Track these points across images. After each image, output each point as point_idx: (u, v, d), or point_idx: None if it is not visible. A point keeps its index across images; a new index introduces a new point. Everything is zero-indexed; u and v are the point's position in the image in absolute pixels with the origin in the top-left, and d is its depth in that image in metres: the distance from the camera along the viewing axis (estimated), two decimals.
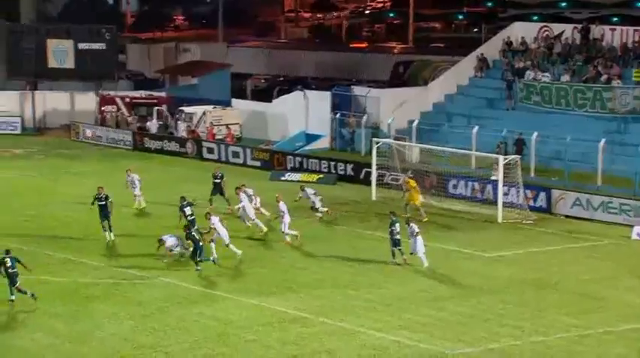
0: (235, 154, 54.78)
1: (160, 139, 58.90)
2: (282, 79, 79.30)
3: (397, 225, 33.42)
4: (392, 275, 32.25)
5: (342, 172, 49.56)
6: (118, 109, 64.33)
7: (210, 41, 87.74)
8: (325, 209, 40.00)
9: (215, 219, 33.82)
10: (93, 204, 35.91)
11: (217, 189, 41.70)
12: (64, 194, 43.77)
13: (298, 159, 52.03)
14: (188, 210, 36.24)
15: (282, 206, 36.40)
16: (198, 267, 31.81)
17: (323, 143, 58.23)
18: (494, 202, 40.92)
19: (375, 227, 38.90)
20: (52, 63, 65.67)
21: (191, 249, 32.19)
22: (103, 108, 64.88)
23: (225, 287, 30.50)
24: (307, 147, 57.13)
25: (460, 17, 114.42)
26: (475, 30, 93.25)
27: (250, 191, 39.03)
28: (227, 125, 59.29)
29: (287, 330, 26.69)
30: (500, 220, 40.07)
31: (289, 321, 27.44)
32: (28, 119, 66.45)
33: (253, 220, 37.62)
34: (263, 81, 79.55)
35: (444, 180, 44.41)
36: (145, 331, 26.43)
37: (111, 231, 35.65)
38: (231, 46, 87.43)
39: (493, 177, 42.58)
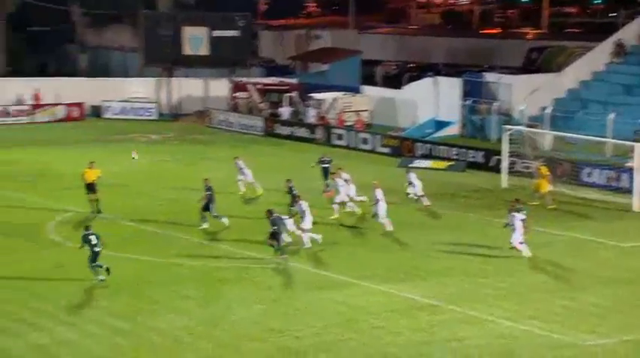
0: (364, 141, 54.88)
1: (290, 125, 59.46)
2: (412, 65, 78.95)
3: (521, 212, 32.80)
4: (523, 264, 31.81)
5: (472, 159, 49.11)
6: (250, 96, 65.19)
7: (341, 28, 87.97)
8: (423, 195, 39.39)
9: (304, 204, 33.83)
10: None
11: (326, 173, 41.76)
12: (198, 179, 44.58)
13: (428, 146, 51.81)
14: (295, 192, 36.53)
15: (379, 193, 36.03)
16: (283, 255, 31.53)
17: (453, 130, 57.82)
18: (630, 191, 39.90)
19: (505, 215, 38.36)
20: (188, 50, 67.00)
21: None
22: (235, 95, 65.85)
23: (354, 274, 30.59)
24: (437, 134, 56.81)
25: (597, 2, 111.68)
26: (612, 15, 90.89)
27: (346, 176, 38.78)
28: (357, 111, 59.45)
29: (416, 317, 26.63)
30: (636, 209, 39.05)
31: (418, 308, 27.36)
32: (164, 105, 68.02)
33: (347, 203, 37.46)
34: (393, 67, 79.37)
35: (577, 168, 43.54)
36: (275, 315, 26.76)
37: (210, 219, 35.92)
38: (362, 32, 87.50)
39: (628, 165, 41.53)
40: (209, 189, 36.08)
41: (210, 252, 33.18)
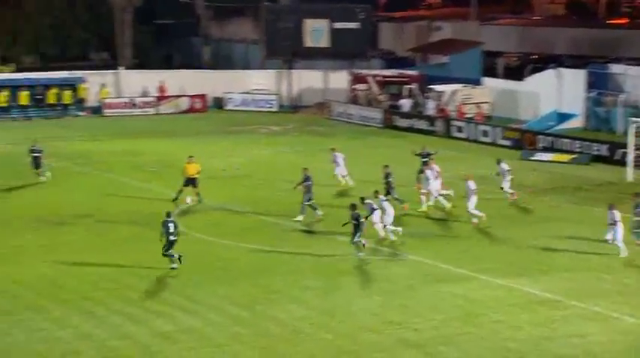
0: (485, 133, 54.29)
1: (410, 117, 59.23)
2: (535, 56, 77.64)
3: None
4: None
5: (596, 152, 48.10)
6: (370, 88, 65.18)
7: (462, 19, 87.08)
8: (511, 191, 38.55)
9: (384, 199, 33.73)
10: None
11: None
12: (317, 170, 44.83)
13: (550, 138, 50.96)
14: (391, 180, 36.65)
15: (471, 184, 35.50)
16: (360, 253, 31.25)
17: (576, 122, 56.72)
18: None
19: (631, 209, 37.49)
20: (308, 42, 67.41)
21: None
22: (354, 87, 65.94)
23: (474, 267, 30.32)
24: (559, 127, 55.81)
25: None
26: None
27: (437, 168, 38.25)
28: (477, 103, 58.85)
29: (536, 312, 26.24)
30: None
31: (539, 303, 26.96)
32: (285, 97, 68.59)
33: (436, 197, 36.97)
34: (515, 59, 78.21)
35: None
36: (393, 307, 26.72)
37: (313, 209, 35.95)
38: (484, 23, 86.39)
39: None
40: (307, 178, 36.25)
41: (329, 243, 33.33)
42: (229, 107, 67.73)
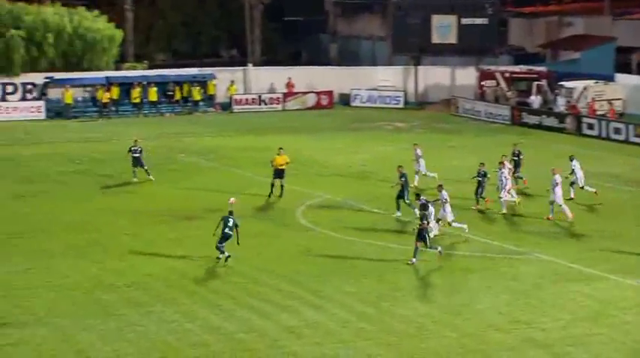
0: (617, 131, 53.09)
1: (539, 114, 58.33)
2: None
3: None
4: None
5: None
6: (498, 84, 64.44)
7: (595, 14, 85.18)
8: (593, 189, 37.51)
9: (445, 194, 33.16)
10: None
11: (518, 166, 40.25)
12: (443, 167, 44.60)
13: None
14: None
15: (558, 178, 34.81)
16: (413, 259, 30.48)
17: None
18: None
19: None
20: (436, 38, 67.09)
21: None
22: (482, 83, 65.29)
23: (602, 267, 29.67)
24: None
25: None
26: None
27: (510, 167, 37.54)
28: (609, 100, 57.54)
29: None
30: None
31: None
32: (411, 93, 68.42)
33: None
34: None
35: None
36: (520, 306, 26.38)
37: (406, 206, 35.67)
38: (617, 18, 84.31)
39: None
40: (403, 176, 36.02)
41: (454, 241, 33.10)
42: (355, 103, 67.95)
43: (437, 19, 67.21)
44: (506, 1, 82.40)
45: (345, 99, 68.46)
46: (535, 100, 60.88)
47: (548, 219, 35.07)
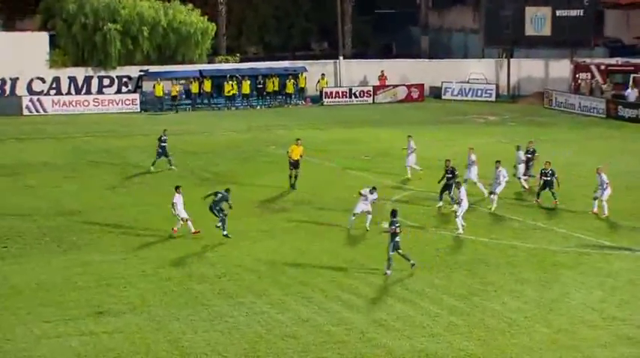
0: None
1: (635, 107, 57.19)
2: None
3: None
4: None
5: None
6: (593, 77, 63.37)
7: None
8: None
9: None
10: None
11: (530, 165, 39.34)
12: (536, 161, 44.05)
13: None
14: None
15: (604, 177, 34.28)
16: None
17: None
18: None
19: None
20: (529, 30, 66.25)
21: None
22: (577, 76, 64.28)
23: None
24: None
25: None
26: None
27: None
28: None
29: None
30: None
31: None
32: (503, 86, 67.74)
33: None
34: None
35: None
36: (615, 302, 25.93)
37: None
38: None
39: None
40: (450, 171, 35.65)
41: (545, 235, 32.70)
42: (447, 96, 67.56)
43: (531, 11, 66.34)
44: None
45: (436, 92, 68.11)
46: (631, 93, 59.71)
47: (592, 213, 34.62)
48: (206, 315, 25.09)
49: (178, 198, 32.20)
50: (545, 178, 36.07)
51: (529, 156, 39.49)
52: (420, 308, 25.73)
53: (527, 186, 38.32)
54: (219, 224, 31.91)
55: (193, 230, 32.24)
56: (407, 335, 23.88)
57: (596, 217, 34.43)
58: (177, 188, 32.47)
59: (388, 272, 28.30)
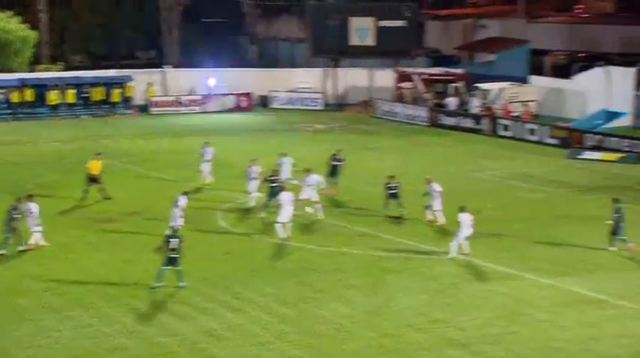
0: (531, 132, 53.96)
1: (456, 116, 59.02)
2: (582, 54, 76.97)
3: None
4: None
5: None
6: (415, 86, 65.04)
7: (509, 17, 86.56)
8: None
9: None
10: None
11: (336, 172, 40.20)
12: (363, 169, 44.87)
13: (598, 137, 50.47)
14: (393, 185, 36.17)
15: (436, 187, 34.94)
16: None
17: (625, 121, 56.15)
18: None
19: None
20: (354, 40, 67.40)
21: None
22: (400, 85, 65.82)
23: (519, 266, 30.15)
24: (607, 126, 55.28)
25: None
26: None
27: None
28: (523, 102, 58.49)
29: (583, 312, 26.03)
30: None
31: (586, 303, 26.74)
32: (330, 95, 68.66)
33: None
34: (562, 57, 77.61)
35: None
36: (439, 305, 26.65)
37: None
38: (531, 21, 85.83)
39: None
40: (391, 187, 36.06)
41: (373, 241, 33.30)
42: (275, 105, 67.96)
43: (355, 22, 67.54)
44: (423, 4, 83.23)
45: (264, 101, 68.42)
46: (451, 102, 61.58)
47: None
48: (32, 330, 24.37)
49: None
50: (390, 191, 36.35)
51: (335, 163, 40.12)
52: (250, 316, 25.75)
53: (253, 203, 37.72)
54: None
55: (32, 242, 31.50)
56: (238, 344, 23.87)
57: (430, 224, 35.24)
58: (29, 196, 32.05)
59: (157, 285, 27.76)
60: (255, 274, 29.39)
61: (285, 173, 38.51)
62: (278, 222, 33.07)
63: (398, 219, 35.75)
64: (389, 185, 36.40)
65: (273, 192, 35.41)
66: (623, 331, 24.61)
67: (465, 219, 30.92)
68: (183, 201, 33.38)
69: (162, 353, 23.26)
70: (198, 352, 23.35)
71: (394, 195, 36.19)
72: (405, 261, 30.87)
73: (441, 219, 34.93)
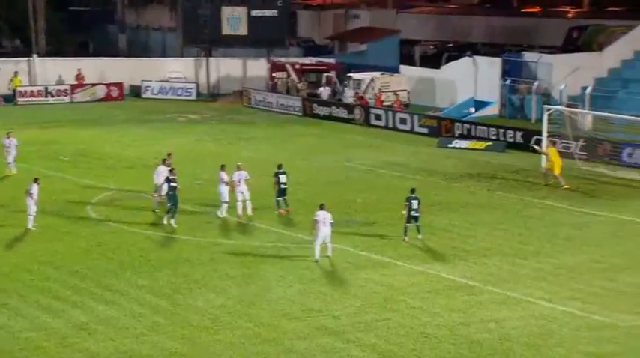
0: (403, 121, 54.71)
1: (329, 105, 59.39)
2: (451, 45, 78.49)
3: (414, 201, 31.78)
4: (561, 245, 31.65)
5: (511, 140, 48.82)
6: (288, 76, 65.17)
7: (379, 7, 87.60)
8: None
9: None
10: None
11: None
12: (237, 159, 44.70)
13: (466, 126, 51.54)
14: (283, 178, 35.29)
15: (223, 175, 34.34)
16: None
17: (492, 110, 57.47)
18: None
19: (545, 195, 38.29)
20: (226, 30, 67.03)
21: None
22: (273, 75, 65.86)
23: (392, 254, 30.58)
24: (476, 114, 56.50)
25: None
26: None
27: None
28: (395, 91, 59.24)
29: (454, 298, 26.59)
30: None
31: (456, 289, 27.32)
32: (203, 85, 68.18)
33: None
34: (432, 47, 78.96)
35: (618, 149, 43.18)
36: (313, 294, 26.82)
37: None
38: (401, 11, 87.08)
39: None
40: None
41: (249, 231, 33.29)
42: (147, 95, 67.07)
43: (227, 11, 67.16)
44: None
45: (136, 91, 67.48)
46: (323, 91, 61.94)
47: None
48: None
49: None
50: (283, 186, 35.73)
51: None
52: (123, 309, 25.43)
53: None
54: None
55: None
56: (110, 337, 23.54)
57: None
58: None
59: None
60: (127, 266, 29.04)
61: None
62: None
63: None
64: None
65: (172, 195, 34.21)
66: (490, 316, 25.24)
67: (322, 217, 29.54)
68: (35, 189, 32.77)
69: (29, 348, 22.78)
70: (68, 346, 22.95)
71: (283, 191, 35.85)
72: (280, 251, 30.95)
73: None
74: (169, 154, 36.86)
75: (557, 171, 39.59)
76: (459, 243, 31.99)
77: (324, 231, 29.61)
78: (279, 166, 35.72)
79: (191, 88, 67.42)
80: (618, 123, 45.42)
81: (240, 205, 34.64)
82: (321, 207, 29.95)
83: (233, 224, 34.17)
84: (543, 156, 41.35)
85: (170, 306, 25.74)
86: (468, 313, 25.44)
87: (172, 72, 68.39)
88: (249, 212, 34.67)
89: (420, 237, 31.80)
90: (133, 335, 23.70)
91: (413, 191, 32.36)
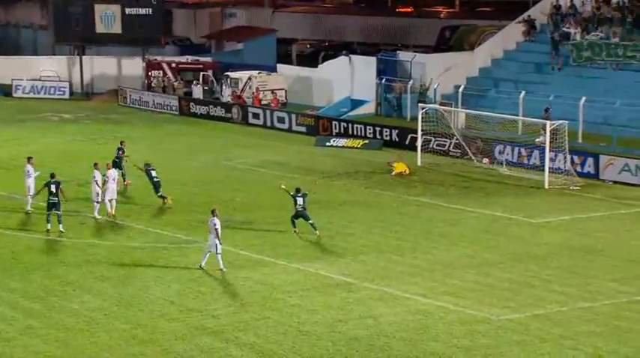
0: (280, 120, 54.81)
1: (206, 104, 59.07)
2: (327, 44, 78.99)
3: (299, 198, 32.39)
4: (437, 241, 32.23)
5: (387, 138, 49.41)
6: (165, 74, 64.56)
7: (255, 6, 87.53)
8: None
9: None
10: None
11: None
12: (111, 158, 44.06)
13: (343, 124, 51.93)
14: (154, 173, 36.08)
15: (97, 174, 34.34)
16: None
17: (368, 108, 58.03)
18: (542, 168, 40.67)
19: (421, 193, 38.91)
20: (100, 28, 65.93)
21: None
22: (149, 74, 65.13)
23: (271, 253, 30.64)
24: (352, 113, 56.99)
25: None
26: None
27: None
28: (272, 90, 59.30)
29: (332, 295, 26.79)
30: (547, 186, 39.81)
31: (334, 286, 27.54)
32: (76, 84, 66.90)
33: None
34: (308, 46, 79.30)
35: (490, 146, 44.22)
36: (192, 294, 26.67)
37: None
38: (277, 10, 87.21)
39: (538, 140, 42.38)
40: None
41: (125, 231, 32.87)
42: (18, 94, 65.47)
43: (100, 9, 66.03)
44: None
45: (7, 90, 65.79)
46: (196, 90, 61.58)
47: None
48: None
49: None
50: (156, 179, 35.84)
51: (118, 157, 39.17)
52: None
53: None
54: None
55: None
56: None
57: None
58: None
59: None
60: (0, 268, 28.31)
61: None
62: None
63: (160, 209, 35.41)
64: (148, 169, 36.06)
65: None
66: (367, 312, 25.53)
67: (213, 224, 28.84)
68: None
69: None
70: None
71: (157, 184, 35.86)
72: (158, 251, 30.67)
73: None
74: (30, 158, 36.11)
75: (397, 171, 41.32)
76: (337, 240, 32.24)
77: (213, 240, 28.74)
78: (148, 164, 36.28)
79: (64, 87, 66.09)
80: (490, 122, 46.47)
81: (108, 204, 34.22)
82: (213, 213, 29.15)
83: (109, 225, 33.66)
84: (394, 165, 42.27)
85: (44, 309, 25.23)
86: (345, 310, 25.67)
87: (45, 70, 66.94)
88: (113, 211, 34.23)
89: (317, 233, 32.22)
90: (4, 340, 23.15)
91: (298, 190, 32.61)
